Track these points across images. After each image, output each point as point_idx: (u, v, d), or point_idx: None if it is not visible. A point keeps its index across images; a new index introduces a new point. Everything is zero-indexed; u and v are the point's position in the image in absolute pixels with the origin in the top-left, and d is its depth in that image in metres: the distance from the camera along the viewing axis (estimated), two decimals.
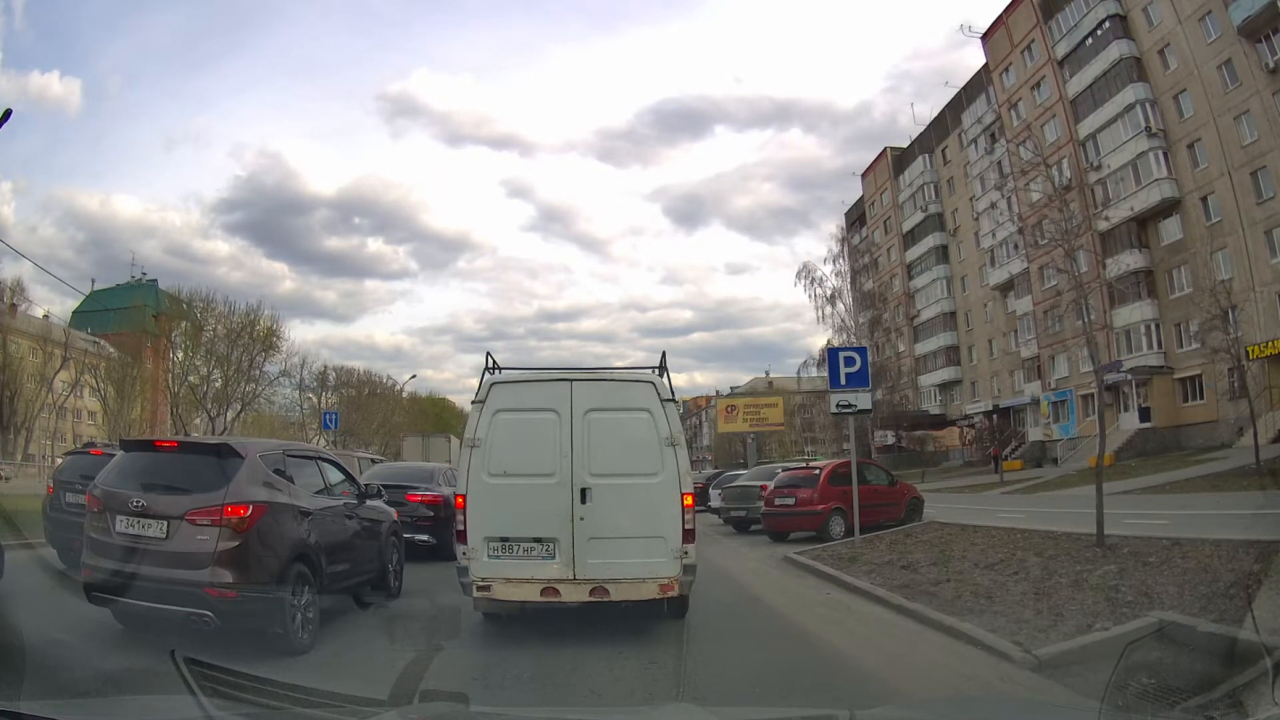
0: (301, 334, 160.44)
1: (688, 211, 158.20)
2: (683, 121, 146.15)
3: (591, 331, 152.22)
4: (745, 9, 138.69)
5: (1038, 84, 43.88)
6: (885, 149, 63.55)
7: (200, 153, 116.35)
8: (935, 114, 56.52)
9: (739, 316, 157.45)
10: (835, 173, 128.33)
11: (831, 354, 15.27)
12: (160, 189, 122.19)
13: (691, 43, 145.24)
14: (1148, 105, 36.58)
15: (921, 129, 58.11)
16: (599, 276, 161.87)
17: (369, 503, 8.72)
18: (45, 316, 51.50)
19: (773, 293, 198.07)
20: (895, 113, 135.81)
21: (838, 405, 13.77)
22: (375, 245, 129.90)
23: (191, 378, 47.10)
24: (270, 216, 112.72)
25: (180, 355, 49.15)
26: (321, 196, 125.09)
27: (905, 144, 60.86)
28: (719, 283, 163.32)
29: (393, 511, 9.62)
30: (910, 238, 59.38)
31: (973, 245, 52.58)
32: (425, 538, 12.14)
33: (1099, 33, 38.92)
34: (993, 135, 48.26)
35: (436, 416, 68.33)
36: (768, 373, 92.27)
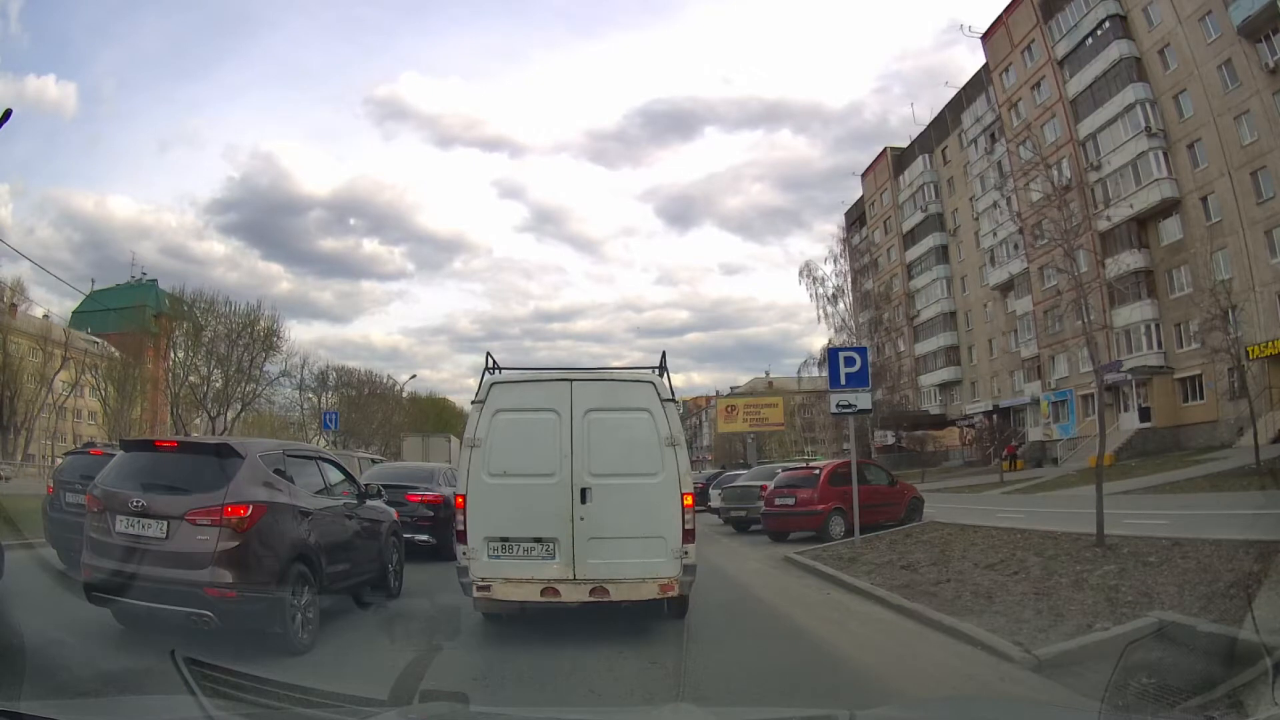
0: (299, 335, 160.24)
1: (680, 212, 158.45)
2: (672, 122, 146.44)
3: (587, 332, 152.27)
4: (729, 12, 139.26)
5: (1038, 84, 43.87)
6: (885, 149, 63.56)
7: (194, 155, 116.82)
8: (934, 114, 56.60)
9: (734, 317, 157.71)
10: (826, 173, 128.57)
11: (831, 354, 15.27)
12: (155, 191, 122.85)
13: (677, 45, 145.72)
14: (1148, 105, 36.57)
15: (921, 129, 58.16)
16: (593, 277, 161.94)
17: (369, 503, 8.72)
18: (45, 316, 51.60)
19: (767, 293, 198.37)
20: (886, 113, 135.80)
21: (838, 405, 13.77)
22: (371, 246, 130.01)
23: (191, 378, 47.12)
24: (265, 217, 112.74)
25: (180, 355, 49.17)
26: (316, 197, 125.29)
27: (903, 144, 60.91)
28: (713, 283, 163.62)
29: (393, 511, 9.62)
30: (910, 238, 59.36)
31: (973, 245, 52.57)
32: (425, 538, 12.13)
33: (1099, 33, 38.92)
34: (993, 135, 48.26)
35: (436, 416, 68.22)
36: (768, 373, 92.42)
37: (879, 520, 15.79)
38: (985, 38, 48.59)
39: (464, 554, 6.98)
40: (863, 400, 13.62)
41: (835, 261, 51.67)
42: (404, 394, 67.31)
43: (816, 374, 47.94)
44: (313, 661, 6.18)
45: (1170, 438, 35.01)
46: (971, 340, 54.96)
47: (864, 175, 67.39)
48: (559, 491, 6.99)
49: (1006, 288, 48.33)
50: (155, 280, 62.42)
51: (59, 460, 19.86)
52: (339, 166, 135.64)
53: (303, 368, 55.94)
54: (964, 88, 52.62)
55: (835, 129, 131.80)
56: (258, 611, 6.10)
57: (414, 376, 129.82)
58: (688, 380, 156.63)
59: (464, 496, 7.03)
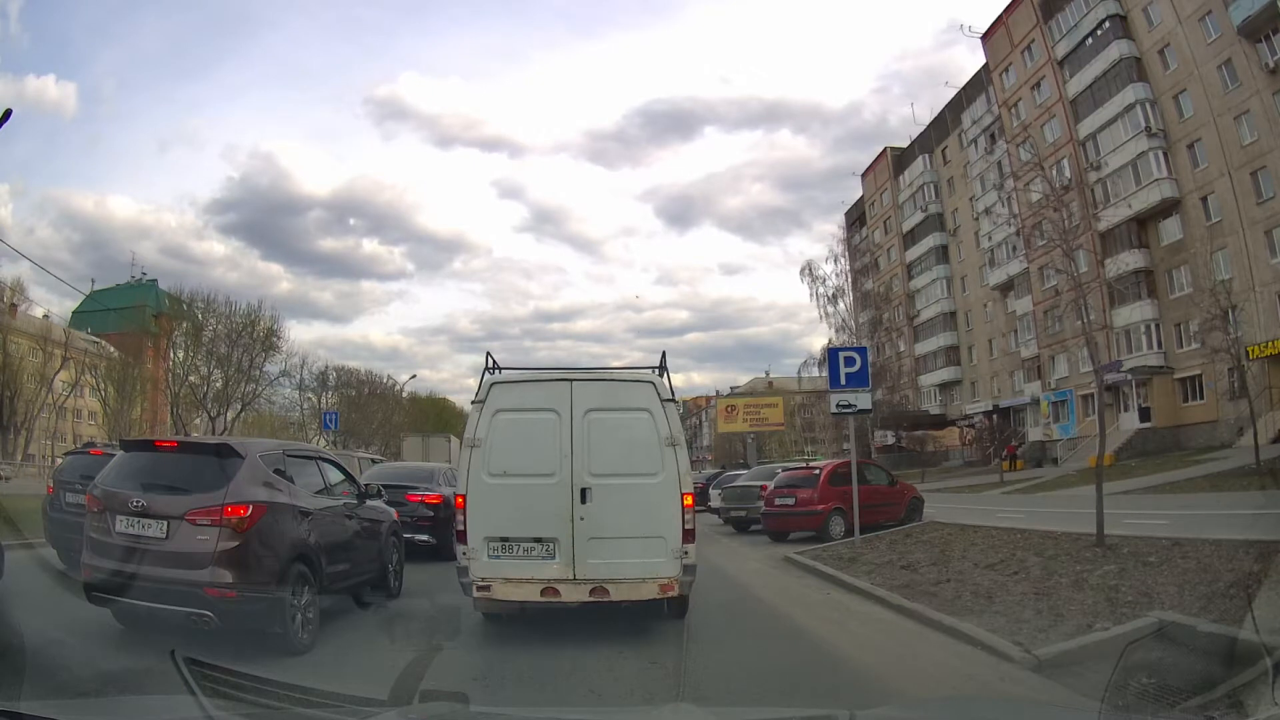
0: (298, 335, 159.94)
1: (679, 212, 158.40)
2: (672, 122, 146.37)
3: (587, 332, 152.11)
4: (729, 12, 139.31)
5: (1038, 84, 43.88)
6: (885, 149, 63.59)
7: (194, 155, 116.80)
8: (934, 114, 56.62)
9: (734, 317, 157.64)
10: (826, 173, 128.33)
11: (831, 354, 15.28)
12: (155, 191, 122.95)
13: (677, 45, 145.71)
14: (1148, 105, 36.57)
15: (921, 129, 58.18)
16: (593, 277, 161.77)
17: (369, 503, 8.72)
18: (45, 316, 51.59)
19: (767, 293, 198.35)
20: (886, 113, 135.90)
21: (838, 405, 13.77)
22: (370, 246, 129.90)
23: (191, 378, 47.15)
24: (265, 217, 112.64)
25: (180, 355, 49.21)
26: (315, 197, 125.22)
27: (903, 144, 60.93)
28: (713, 283, 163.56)
29: (393, 511, 9.63)
30: (910, 238, 59.37)
31: (973, 245, 52.57)
32: (425, 538, 12.13)
33: (1099, 33, 38.92)
34: (993, 135, 48.27)
35: (436, 416, 68.26)
36: (768, 373, 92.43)
37: (879, 520, 15.78)
38: (985, 38, 48.60)
39: (464, 554, 6.98)
40: (863, 400, 13.62)
41: (835, 261, 51.72)
42: (404, 394, 67.43)
43: (816, 374, 47.94)
44: (313, 661, 6.18)
45: (1170, 438, 35.01)
46: (971, 340, 54.97)
47: (864, 175, 67.41)
48: (559, 491, 6.99)
49: (1006, 288, 48.33)
50: (155, 280, 62.59)
51: (59, 460, 19.86)
52: (339, 166, 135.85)
53: (302, 368, 56.09)
54: (964, 88, 52.63)
55: (835, 129, 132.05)
56: (258, 611, 6.10)
57: (414, 376, 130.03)
58: (688, 380, 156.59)
59: (464, 496, 7.03)
